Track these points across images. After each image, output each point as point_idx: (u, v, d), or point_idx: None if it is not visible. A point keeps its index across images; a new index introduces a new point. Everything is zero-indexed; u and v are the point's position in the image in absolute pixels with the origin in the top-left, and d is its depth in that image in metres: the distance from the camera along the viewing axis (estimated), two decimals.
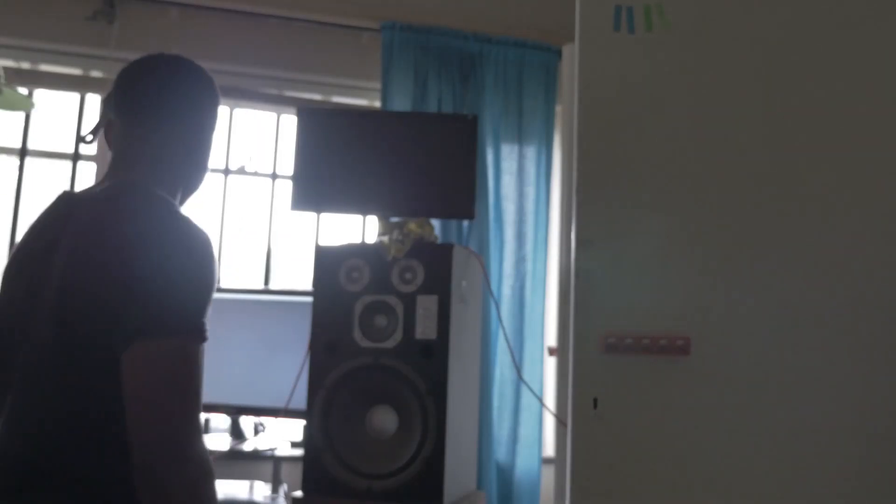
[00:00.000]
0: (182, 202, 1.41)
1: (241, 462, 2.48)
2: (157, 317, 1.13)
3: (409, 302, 1.78)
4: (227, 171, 2.88)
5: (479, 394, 2.10)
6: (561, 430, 1.78)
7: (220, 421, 2.49)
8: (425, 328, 1.76)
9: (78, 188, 1.38)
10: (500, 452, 2.71)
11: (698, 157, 1.50)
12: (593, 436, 1.44)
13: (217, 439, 2.32)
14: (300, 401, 1.87)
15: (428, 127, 1.92)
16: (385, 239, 1.83)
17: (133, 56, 1.40)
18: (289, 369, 2.15)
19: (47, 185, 2.76)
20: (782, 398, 1.43)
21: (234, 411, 2.30)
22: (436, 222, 2.11)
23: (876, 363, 1.43)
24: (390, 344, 1.77)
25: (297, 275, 2.93)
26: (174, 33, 2.72)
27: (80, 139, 1.45)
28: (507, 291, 2.77)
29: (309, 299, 1.93)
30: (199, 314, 1.17)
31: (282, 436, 2.47)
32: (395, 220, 1.90)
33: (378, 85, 2.81)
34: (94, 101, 2.81)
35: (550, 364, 2.75)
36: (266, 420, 2.41)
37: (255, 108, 2.94)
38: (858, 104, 1.49)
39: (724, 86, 1.51)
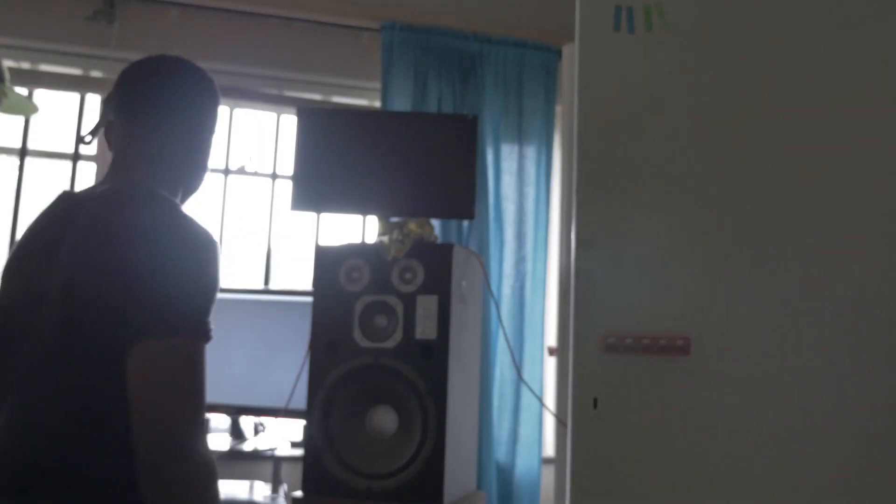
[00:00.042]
0: (183, 202, 1.41)
1: (241, 462, 2.48)
2: (161, 316, 1.13)
3: (409, 302, 1.78)
4: (227, 171, 2.88)
5: (479, 394, 2.10)
6: (561, 430, 1.78)
7: (220, 421, 2.49)
8: (425, 328, 1.76)
9: (78, 188, 1.38)
10: (500, 452, 2.71)
11: (698, 157, 1.50)
12: (593, 436, 1.44)
13: (217, 439, 2.32)
14: (300, 401, 1.87)
15: (428, 127, 1.92)
16: (385, 239, 1.83)
17: (133, 56, 1.40)
18: (289, 369, 2.15)
19: (47, 185, 2.76)
20: (782, 398, 1.43)
21: (234, 411, 2.30)
22: (436, 222, 2.11)
23: (876, 363, 1.43)
24: (390, 344, 1.77)
25: (297, 275, 2.93)
26: (174, 33, 2.72)
27: (79, 139, 1.45)
28: (507, 291, 2.77)
29: (309, 299, 1.93)
30: (204, 313, 1.17)
31: (282, 436, 2.47)
32: (395, 220, 1.90)
33: (378, 85, 2.81)
34: (94, 101, 2.81)
35: (550, 364, 2.75)
36: (266, 420, 2.41)
37: (255, 108, 2.94)
38: (858, 104, 1.49)
39: (724, 86, 1.51)
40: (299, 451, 2.15)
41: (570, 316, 1.49)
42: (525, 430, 2.73)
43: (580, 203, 1.51)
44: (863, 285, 1.45)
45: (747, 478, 1.42)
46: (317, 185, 1.90)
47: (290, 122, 2.96)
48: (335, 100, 2.97)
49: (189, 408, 1.13)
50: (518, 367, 2.70)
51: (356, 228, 2.95)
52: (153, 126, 1.34)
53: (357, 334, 1.79)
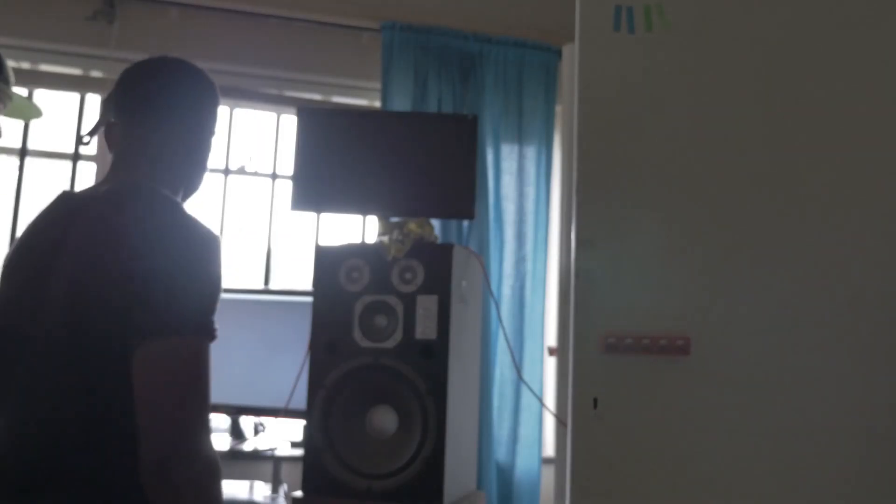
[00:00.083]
0: (183, 202, 1.41)
1: (241, 462, 2.48)
2: (166, 316, 1.14)
3: (409, 302, 1.78)
4: (227, 171, 2.88)
5: (479, 394, 2.10)
6: (561, 430, 1.78)
7: (220, 421, 2.49)
8: (425, 328, 1.76)
9: (78, 188, 1.38)
10: (500, 452, 2.71)
11: (698, 157, 1.50)
12: (593, 436, 1.44)
13: (217, 439, 2.32)
14: (300, 401, 1.87)
15: (428, 127, 1.92)
16: (385, 239, 1.83)
17: (133, 56, 1.41)
18: (289, 369, 2.15)
19: (47, 185, 2.76)
20: (782, 398, 1.43)
21: (234, 411, 2.30)
22: (436, 222, 2.11)
23: (876, 363, 1.43)
24: (390, 344, 1.77)
25: (297, 275, 2.93)
26: (174, 33, 2.72)
27: (79, 139, 1.45)
28: (507, 291, 2.77)
29: (309, 299, 1.93)
30: (208, 313, 1.18)
31: (282, 436, 2.47)
32: (395, 220, 1.90)
33: (378, 85, 2.81)
34: (94, 101, 2.81)
35: (550, 364, 2.75)
36: (266, 420, 2.41)
37: (255, 108, 2.94)
38: (858, 104, 1.49)
39: (724, 86, 1.51)
40: (299, 451, 2.15)
41: (570, 316, 1.49)
42: (525, 430, 2.73)
43: (580, 203, 1.51)
44: (863, 285, 1.45)
45: (747, 478, 1.42)
46: (317, 185, 1.90)
47: (290, 122, 2.96)
48: (335, 100, 2.97)
49: (195, 407, 1.13)
50: (518, 367, 2.70)
51: (356, 228, 2.96)
52: (153, 126, 1.34)
53: (357, 334, 1.79)
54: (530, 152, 2.86)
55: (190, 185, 1.41)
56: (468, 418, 1.94)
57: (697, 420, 1.44)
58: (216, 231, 1.24)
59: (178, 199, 1.38)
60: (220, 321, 1.20)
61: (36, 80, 2.73)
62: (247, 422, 2.39)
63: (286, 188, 2.92)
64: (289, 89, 2.91)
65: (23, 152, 2.74)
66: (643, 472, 1.43)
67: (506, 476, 2.71)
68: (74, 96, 2.81)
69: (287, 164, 2.95)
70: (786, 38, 1.52)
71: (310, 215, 2.86)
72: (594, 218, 1.50)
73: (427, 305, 1.77)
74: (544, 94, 2.89)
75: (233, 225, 2.87)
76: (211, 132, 1.43)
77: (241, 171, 2.91)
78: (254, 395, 2.26)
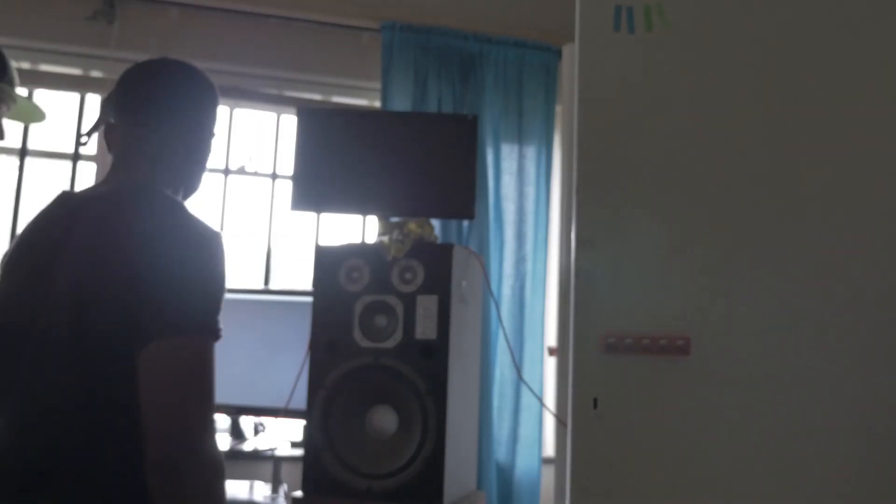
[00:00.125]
0: (183, 201, 1.41)
1: (241, 462, 2.48)
2: (173, 316, 1.14)
3: (409, 302, 1.78)
4: (227, 171, 2.88)
5: (479, 394, 2.10)
6: (561, 430, 1.78)
7: (220, 421, 2.49)
8: (425, 328, 1.76)
9: (78, 188, 1.38)
10: (500, 452, 2.71)
11: (698, 158, 1.50)
12: (593, 436, 1.44)
13: (218, 439, 2.31)
14: (300, 401, 1.87)
15: (428, 127, 1.92)
16: (385, 239, 1.83)
17: (133, 56, 1.41)
18: (289, 369, 2.15)
19: (47, 185, 2.76)
20: (782, 398, 1.43)
21: (234, 411, 2.30)
22: (436, 222, 2.11)
23: (876, 363, 1.43)
24: (390, 344, 1.77)
25: (297, 275, 2.93)
26: (174, 33, 2.72)
27: (78, 139, 1.45)
28: (507, 291, 2.77)
29: (309, 299, 1.93)
30: (214, 312, 1.19)
31: (282, 436, 2.47)
32: (395, 220, 1.90)
33: (378, 85, 2.81)
34: (94, 101, 2.81)
35: (550, 364, 2.75)
36: (266, 420, 2.41)
37: (255, 108, 2.94)
38: (858, 104, 1.49)
39: (724, 86, 1.51)
40: (299, 451, 2.15)
41: (570, 316, 1.49)
42: (525, 430, 2.73)
43: (580, 203, 1.51)
44: (863, 285, 1.45)
45: (747, 478, 1.42)
46: (317, 185, 1.90)
47: (290, 122, 2.96)
48: (335, 100, 2.97)
49: (200, 405, 1.14)
50: (518, 367, 2.70)
51: (356, 228, 2.96)
52: (154, 127, 1.35)
53: (357, 334, 1.79)
54: (530, 152, 2.86)
55: (190, 186, 1.42)
56: (468, 418, 1.94)
57: (697, 420, 1.44)
58: (219, 230, 1.25)
59: (179, 199, 1.39)
60: (220, 321, 1.20)
61: (36, 80, 2.73)
62: (247, 422, 2.39)
63: (286, 188, 2.92)
64: (289, 89, 2.91)
65: (23, 152, 2.74)
66: (643, 472, 1.43)
67: (506, 476, 2.71)
68: (74, 96, 2.82)
69: (287, 164, 2.95)
70: (786, 38, 1.52)
71: (310, 215, 2.86)
72: (594, 218, 1.50)
73: (427, 305, 1.77)
74: (544, 94, 2.89)
75: (233, 225, 2.87)
76: (211, 133, 1.44)
77: (241, 171, 2.90)
78: (254, 395, 2.26)
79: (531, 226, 2.81)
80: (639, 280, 1.48)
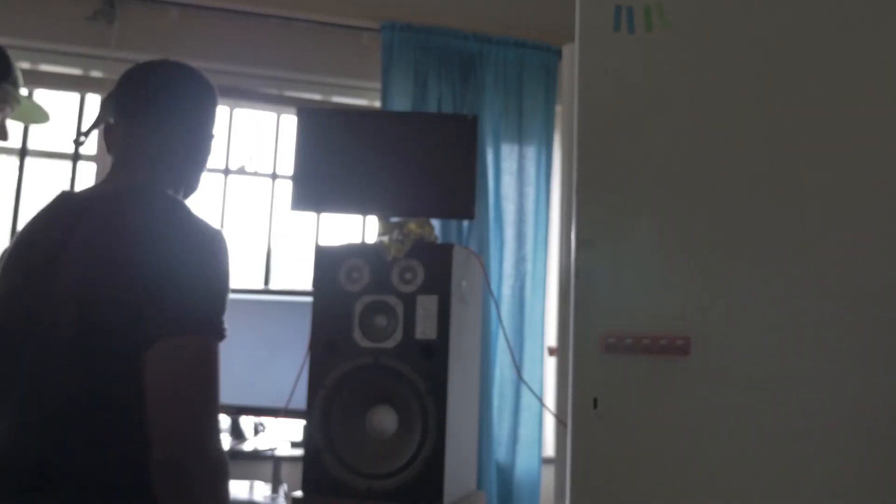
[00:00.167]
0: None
1: (241, 462, 2.48)
2: (179, 316, 1.15)
3: (409, 302, 1.78)
4: (227, 171, 2.88)
5: (479, 394, 2.10)
6: (561, 430, 1.78)
7: (220, 421, 2.49)
8: (425, 328, 1.76)
9: (78, 188, 1.38)
10: (500, 452, 2.71)
11: (698, 158, 1.50)
12: (593, 436, 1.44)
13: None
14: (300, 401, 1.87)
15: (428, 127, 1.92)
16: (385, 239, 1.83)
17: (133, 56, 1.41)
18: (289, 369, 2.15)
19: (47, 185, 2.76)
20: (782, 398, 1.43)
21: (234, 411, 2.30)
22: (436, 222, 2.11)
23: (876, 363, 1.43)
24: (390, 344, 1.77)
25: (297, 275, 2.93)
26: (174, 33, 2.72)
27: (76, 139, 1.45)
28: (507, 291, 2.77)
29: (309, 299, 1.93)
30: (220, 312, 1.20)
31: (282, 436, 2.46)
32: (395, 220, 1.90)
33: (378, 85, 2.81)
34: (94, 101, 2.81)
35: (550, 364, 2.75)
36: (266, 420, 2.41)
37: (255, 108, 2.94)
38: (858, 104, 1.49)
39: (724, 86, 1.51)
40: (299, 451, 2.15)
41: (570, 316, 1.49)
42: (525, 430, 2.73)
43: (580, 203, 1.51)
44: (863, 285, 1.45)
45: (747, 478, 1.42)
46: (317, 185, 1.90)
47: (290, 122, 2.96)
48: (335, 100, 2.97)
49: (206, 405, 1.15)
50: (518, 367, 2.70)
51: (356, 228, 2.96)
52: (154, 127, 1.35)
53: (357, 334, 1.79)
54: (530, 152, 2.86)
55: (189, 186, 1.43)
56: (468, 418, 1.94)
57: (697, 420, 1.44)
58: (222, 230, 1.26)
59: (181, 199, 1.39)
60: (225, 321, 1.21)
61: (36, 80, 2.73)
62: (247, 422, 2.39)
63: (286, 188, 2.92)
64: (289, 89, 2.91)
65: (23, 152, 2.74)
66: (643, 472, 1.43)
67: (506, 476, 2.71)
68: (74, 96, 2.82)
69: (287, 164, 2.95)
70: (786, 38, 1.52)
71: (310, 215, 2.86)
72: (594, 218, 1.50)
73: (427, 305, 1.77)
74: (544, 94, 2.89)
75: (233, 225, 2.87)
76: (210, 134, 1.44)
77: (241, 171, 2.91)
78: (254, 395, 2.26)
79: (531, 226, 2.81)
80: (639, 280, 1.48)
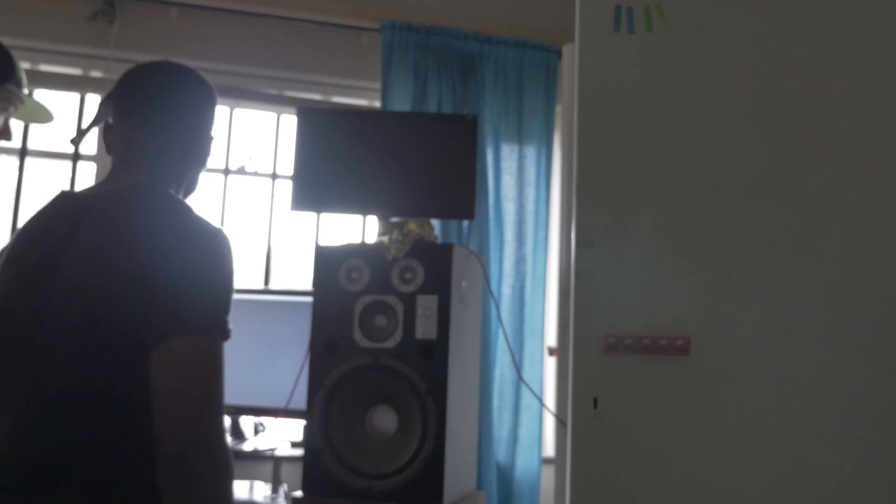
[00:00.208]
0: None
1: (241, 462, 2.47)
2: (187, 316, 1.16)
3: (409, 302, 1.78)
4: (227, 171, 2.88)
5: (479, 394, 2.10)
6: (561, 430, 1.78)
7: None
8: (425, 328, 1.76)
9: (78, 188, 1.38)
10: (500, 452, 2.71)
11: (698, 158, 1.50)
12: (593, 436, 1.44)
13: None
14: (300, 401, 1.87)
15: (428, 127, 1.91)
16: (385, 239, 1.83)
17: (133, 56, 1.42)
18: (289, 369, 2.15)
19: (47, 185, 2.76)
20: (782, 398, 1.43)
21: (234, 411, 2.30)
22: (436, 222, 2.11)
23: (876, 363, 1.43)
24: (390, 344, 1.77)
25: (297, 275, 2.93)
26: (174, 33, 2.72)
27: (75, 139, 1.45)
28: (507, 291, 2.77)
29: (309, 299, 1.93)
30: (225, 312, 1.21)
31: (282, 436, 2.46)
32: (395, 220, 1.90)
33: (378, 85, 2.81)
34: (94, 101, 2.81)
35: (550, 364, 2.75)
36: (266, 420, 2.41)
37: (255, 108, 2.94)
38: (859, 104, 1.49)
39: (724, 86, 1.51)
40: (299, 451, 2.15)
41: (570, 316, 1.49)
42: (525, 430, 2.73)
43: (580, 203, 1.51)
44: (863, 285, 1.45)
45: (747, 478, 1.42)
46: (317, 185, 1.90)
47: (290, 122, 2.96)
48: (335, 100, 2.97)
49: (212, 404, 1.15)
50: (518, 367, 2.70)
51: (356, 228, 2.96)
52: (154, 129, 1.36)
53: (357, 334, 1.79)
54: (530, 152, 2.86)
55: (189, 186, 1.44)
56: (468, 418, 1.94)
57: (697, 420, 1.44)
58: (225, 230, 1.26)
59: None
60: (230, 321, 1.22)
61: (36, 80, 2.73)
62: (247, 422, 2.39)
63: (286, 188, 2.92)
64: (289, 89, 2.91)
65: (23, 152, 2.74)
66: (643, 472, 1.43)
67: (506, 476, 2.71)
68: (74, 96, 2.82)
69: (287, 164, 2.95)
70: (786, 38, 1.52)
71: (310, 215, 2.86)
72: (594, 218, 1.50)
73: (427, 305, 1.77)
74: (544, 94, 2.89)
75: (233, 225, 2.87)
76: (210, 134, 1.44)
77: (241, 171, 2.90)
78: (254, 395, 2.26)
79: (531, 226, 2.81)
80: (639, 280, 1.48)
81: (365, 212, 2.04)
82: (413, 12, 2.82)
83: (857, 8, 1.51)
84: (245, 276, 2.85)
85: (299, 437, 2.48)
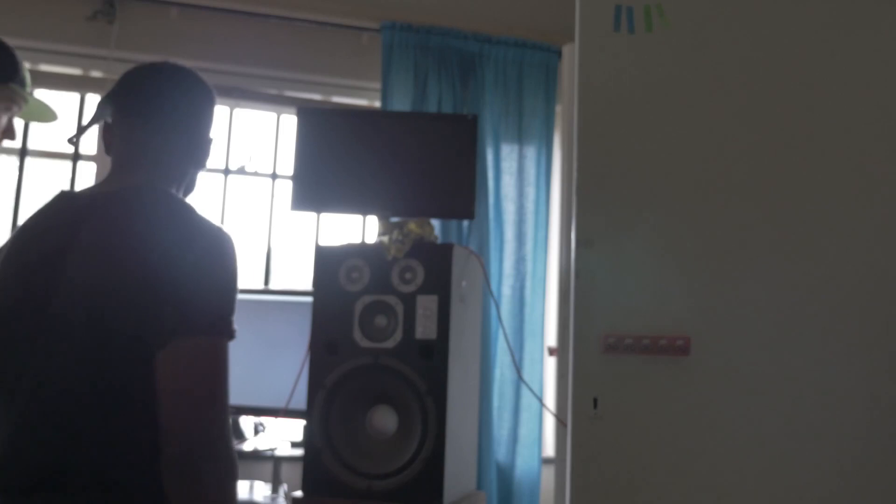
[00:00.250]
0: None
1: (241, 462, 2.46)
2: (193, 316, 1.16)
3: (409, 302, 1.78)
4: (227, 171, 2.88)
5: (479, 394, 2.10)
6: (561, 430, 1.78)
7: None
8: (425, 328, 1.76)
9: (78, 188, 1.38)
10: (500, 452, 2.71)
11: (698, 157, 1.50)
12: (593, 436, 1.44)
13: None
14: (300, 401, 1.87)
15: (428, 127, 1.92)
16: (385, 239, 1.83)
17: (133, 56, 1.42)
18: (289, 369, 2.15)
19: (47, 185, 2.76)
20: (782, 398, 1.43)
21: (234, 411, 2.30)
22: (436, 222, 2.11)
23: (876, 363, 1.43)
24: (390, 344, 1.77)
25: (297, 275, 2.93)
26: (174, 33, 2.72)
27: (74, 139, 1.45)
28: (507, 291, 2.77)
29: (309, 299, 1.93)
30: (229, 312, 1.21)
31: (282, 436, 2.46)
32: (395, 220, 1.90)
33: (378, 85, 2.81)
34: (94, 101, 2.81)
35: (550, 364, 2.75)
36: (266, 420, 2.41)
37: (255, 108, 2.94)
38: (858, 104, 1.49)
39: (724, 86, 1.51)
40: (299, 451, 2.15)
41: (570, 316, 1.49)
42: (525, 430, 2.73)
43: (580, 203, 1.51)
44: (863, 285, 1.45)
45: (747, 477, 1.42)
46: (317, 185, 1.90)
47: (290, 122, 2.96)
48: (335, 100, 2.97)
49: (217, 404, 1.16)
50: (518, 367, 2.70)
51: (356, 228, 2.96)
52: (154, 129, 1.36)
53: (357, 334, 1.79)
54: (530, 152, 2.86)
55: (189, 187, 1.44)
56: (468, 418, 1.94)
57: (697, 420, 1.44)
58: (229, 231, 1.27)
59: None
60: (234, 322, 1.23)
61: (36, 80, 2.72)
62: (247, 422, 2.39)
63: (286, 188, 2.92)
64: (289, 89, 2.91)
65: (23, 152, 2.74)
66: (643, 471, 1.43)
67: (506, 476, 2.71)
68: (74, 96, 2.82)
69: (287, 164, 2.95)
70: (786, 38, 1.52)
71: (310, 215, 2.86)
72: (594, 218, 1.50)
73: (427, 305, 1.77)
74: (544, 94, 2.89)
75: (233, 225, 2.87)
76: (209, 136, 1.45)
77: (241, 171, 2.90)
78: (254, 395, 2.26)
79: (531, 226, 2.81)
80: (639, 280, 1.48)
81: (365, 212, 2.04)
82: (413, 12, 2.82)
83: (857, 8, 1.51)
84: (245, 276, 2.85)
85: (299, 437, 2.48)
